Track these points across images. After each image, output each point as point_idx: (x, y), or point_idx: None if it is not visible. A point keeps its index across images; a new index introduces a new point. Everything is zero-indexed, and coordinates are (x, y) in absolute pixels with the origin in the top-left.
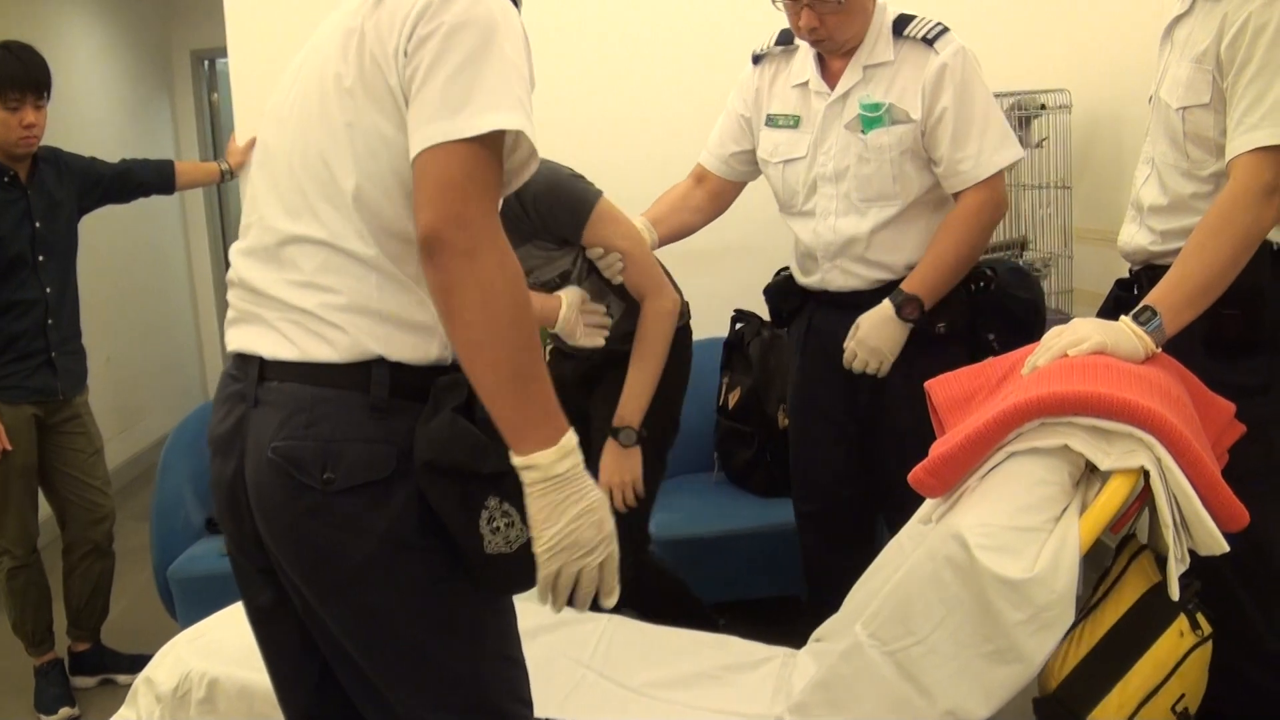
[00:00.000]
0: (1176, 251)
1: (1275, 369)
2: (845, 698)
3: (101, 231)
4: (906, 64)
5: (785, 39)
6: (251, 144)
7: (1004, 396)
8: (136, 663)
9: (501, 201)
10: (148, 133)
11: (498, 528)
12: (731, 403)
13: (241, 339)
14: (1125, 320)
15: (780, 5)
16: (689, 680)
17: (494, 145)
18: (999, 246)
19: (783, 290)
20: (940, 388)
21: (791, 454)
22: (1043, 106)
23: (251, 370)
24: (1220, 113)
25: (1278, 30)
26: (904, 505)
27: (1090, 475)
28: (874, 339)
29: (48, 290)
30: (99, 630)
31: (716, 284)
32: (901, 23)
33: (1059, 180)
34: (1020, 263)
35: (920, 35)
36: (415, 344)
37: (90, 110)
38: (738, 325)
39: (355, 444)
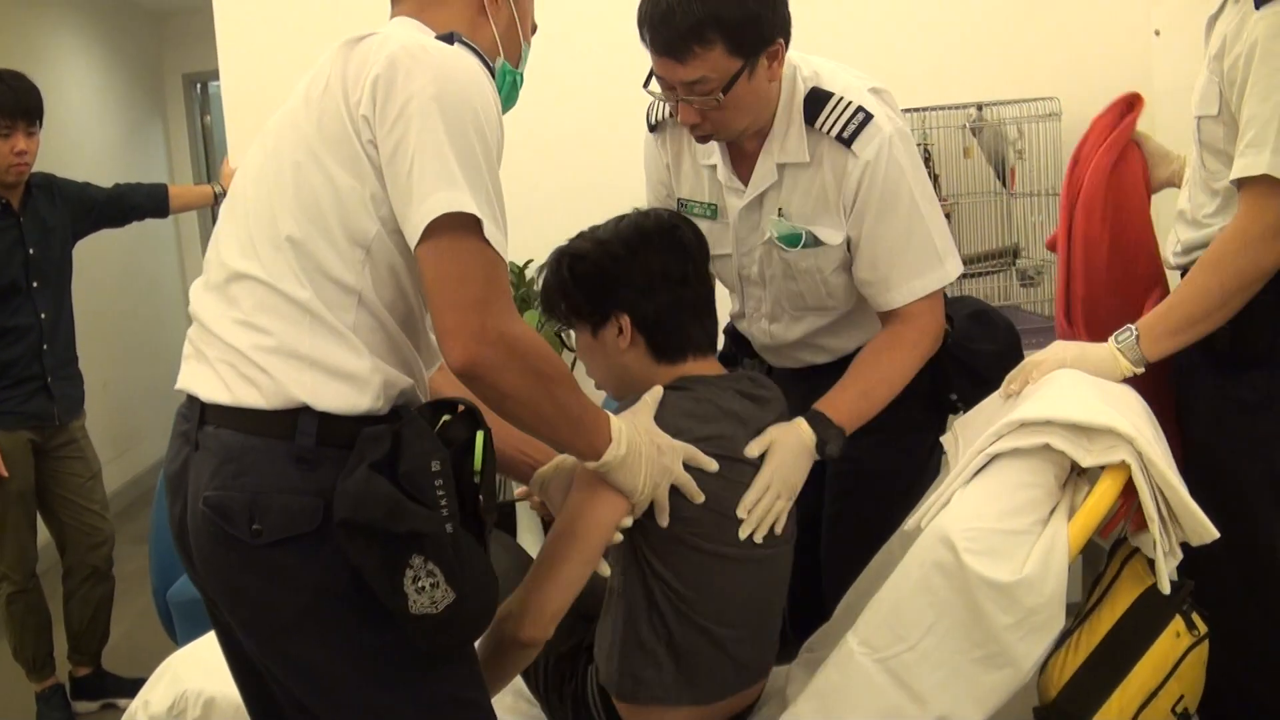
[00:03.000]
0: (1191, 265)
1: (1276, 385)
2: (838, 707)
3: (97, 256)
4: (825, 168)
5: None
6: None
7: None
8: (138, 686)
9: None
10: (141, 156)
11: (423, 588)
12: None
13: (186, 378)
14: (1111, 339)
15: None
16: None
17: (478, 230)
18: (991, 255)
19: (737, 339)
20: None
21: None
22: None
23: (194, 412)
24: (1228, 125)
25: (1266, 48)
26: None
27: (1078, 478)
28: (795, 475)
29: (42, 316)
30: (100, 654)
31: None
32: (814, 108)
33: (1049, 188)
34: (1018, 269)
35: (836, 133)
36: (344, 393)
37: (84, 134)
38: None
39: (282, 495)
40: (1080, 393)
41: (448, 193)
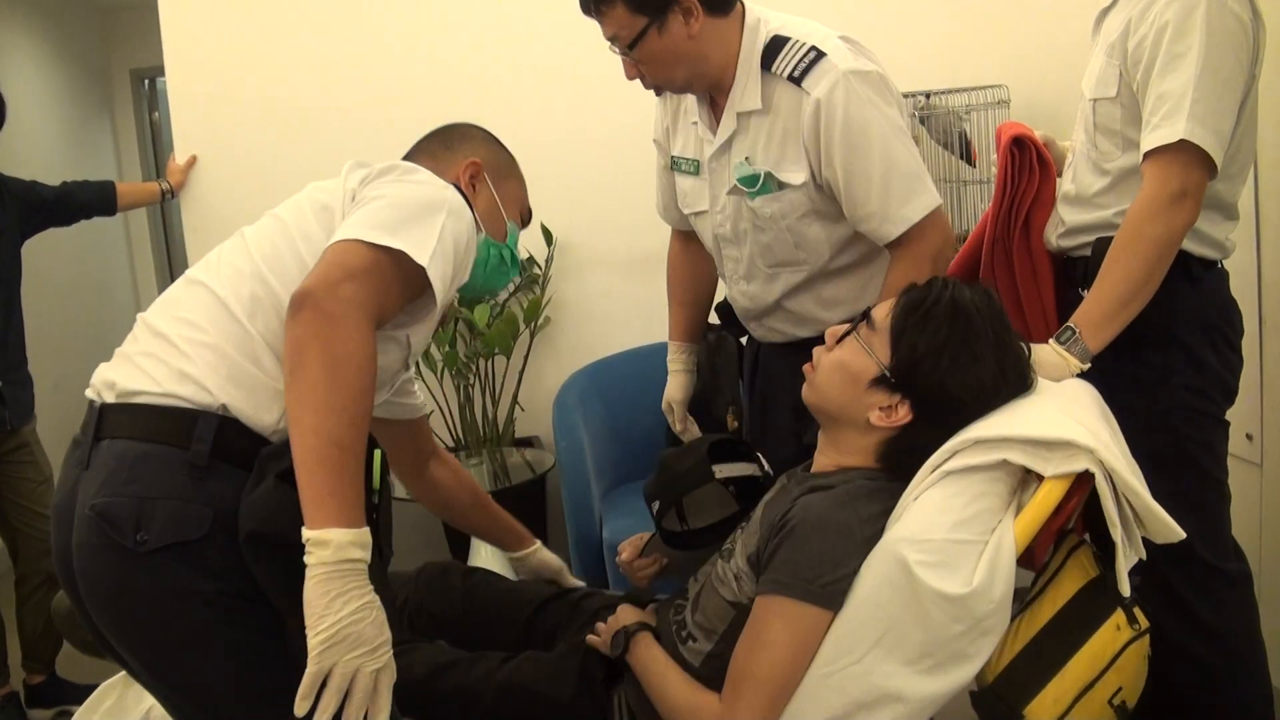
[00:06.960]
0: (1080, 246)
1: (1172, 361)
2: (786, 717)
3: (46, 257)
4: (781, 111)
5: None
6: (191, 162)
7: None
8: (91, 693)
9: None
10: (89, 153)
11: None
12: None
13: (99, 373)
14: (1051, 341)
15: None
16: None
17: (403, 266)
18: None
19: (730, 316)
20: None
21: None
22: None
23: (89, 430)
24: (1126, 106)
25: (1178, 28)
26: None
27: (1027, 475)
28: None
29: None
30: (54, 662)
31: (663, 288)
32: (770, 53)
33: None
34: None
35: (787, 73)
36: (254, 402)
37: (30, 131)
38: None
39: (169, 502)
40: (1035, 400)
41: (385, 234)
